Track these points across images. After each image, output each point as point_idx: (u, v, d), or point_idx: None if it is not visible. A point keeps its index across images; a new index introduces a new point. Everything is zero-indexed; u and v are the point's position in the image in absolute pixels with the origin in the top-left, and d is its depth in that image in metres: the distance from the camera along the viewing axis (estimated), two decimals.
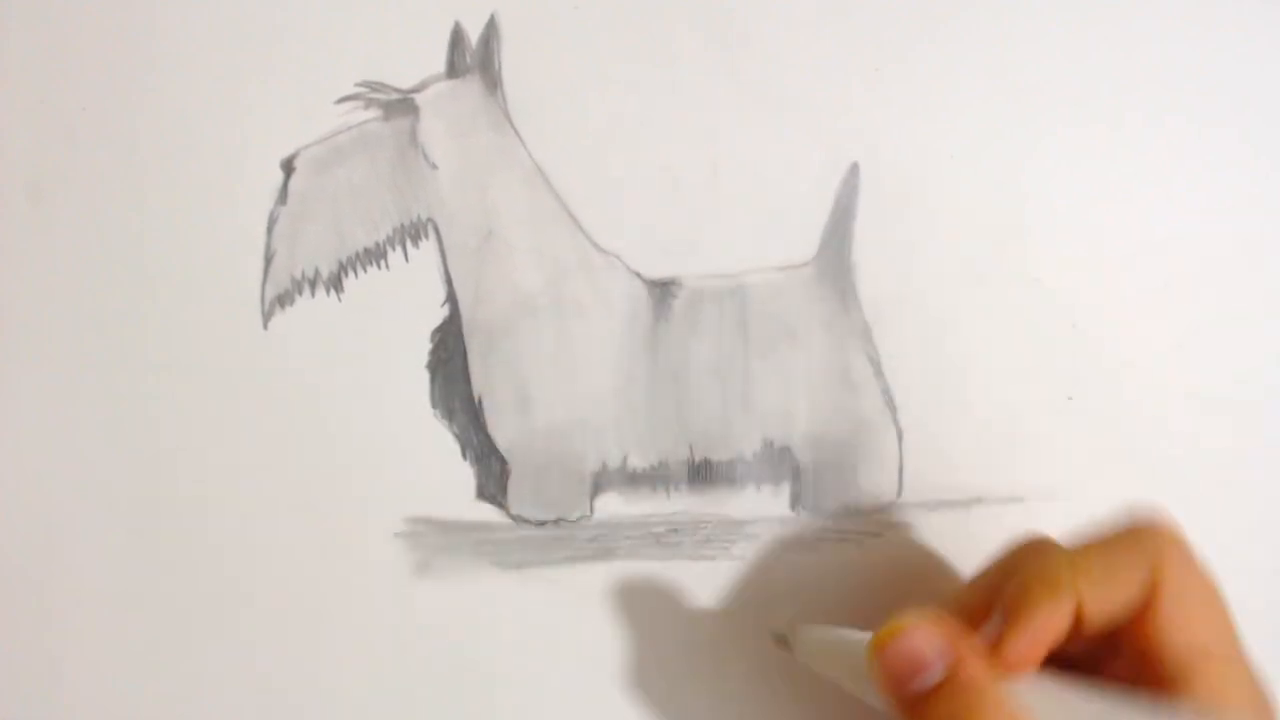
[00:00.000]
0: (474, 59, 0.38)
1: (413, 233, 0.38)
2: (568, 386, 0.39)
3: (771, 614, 0.39)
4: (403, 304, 0.38)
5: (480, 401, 0.38)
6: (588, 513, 0.39)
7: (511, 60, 0.38)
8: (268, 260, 0.38)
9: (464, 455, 0.38)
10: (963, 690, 0.22)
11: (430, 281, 0.38)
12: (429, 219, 0.38)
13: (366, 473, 0.38)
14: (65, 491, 0.37)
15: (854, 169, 0.39)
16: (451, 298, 0.38)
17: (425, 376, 0.38)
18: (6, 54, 0.37)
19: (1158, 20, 0.40)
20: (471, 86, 0.38)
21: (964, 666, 0.22)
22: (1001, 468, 0.40)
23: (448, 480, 0.38)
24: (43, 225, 0.37)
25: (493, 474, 0.39)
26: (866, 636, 0.26)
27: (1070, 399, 0.40)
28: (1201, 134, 0.41)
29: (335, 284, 0.38)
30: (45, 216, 0.37)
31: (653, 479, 0.39)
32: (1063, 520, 0.40)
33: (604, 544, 0.39)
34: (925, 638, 0.23)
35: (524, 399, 0.38)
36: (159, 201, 0.37)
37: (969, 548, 0.40)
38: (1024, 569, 0.26)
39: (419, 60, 0.38)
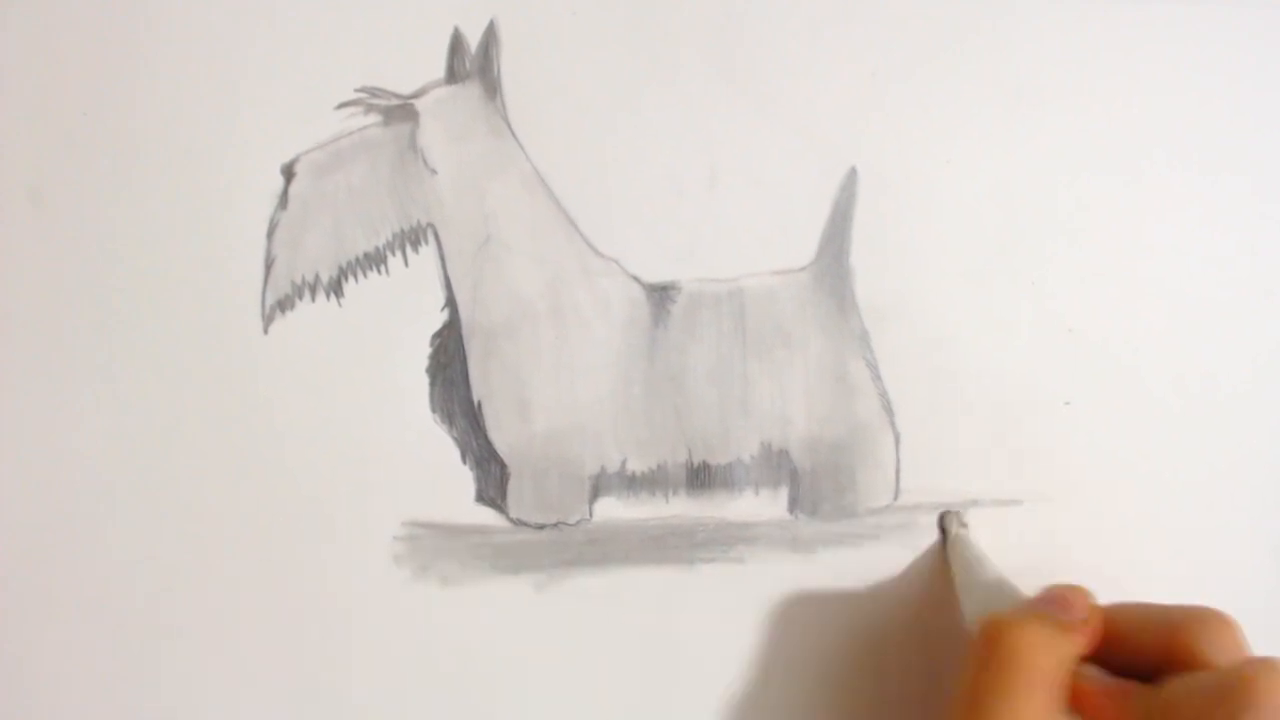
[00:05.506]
0: (473, 65, 0.38)
1: (412, 238, 0.38)
2: (567, 391, 0.39)
3: (770, 616, 0.39)
4: (402, 309, 0.38)
5: (479, 406, 0.38)
6: (587, 516, 0.39)
7: (511, 66, 0.38)
8: (268, 265, 0.38)
9: (463, 459, 0.39)
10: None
11: (430, 286, 0.38)
12: (428, 224, 0.39)
13: (366, 477, 0.38)
14: (65, 493, 0.38)
15: (852, 174, 0.39)
16: (451, 302, 0.39)
17: (425, 381, 0.38)
18: (7, 57, 0.37)
19: (1154, 26, 0.40)
20: (471, 92, 0.38)
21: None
22: (999, 471, 0.40)
23: (447, 484, 0.38)
24: (43, 230, 0.37)
25: (492, 478, 0.39)
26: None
27: (1067, 403, 0.40)
28: (1198, 138, 0.41)
29: (335, 289, 0.38)
30: (46, 222, 0.37)
31: (651, 483, 0.39)
32: (1059, 524, 0.40)
33: (603, 547, 0.39)
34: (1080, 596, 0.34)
35: (523, 403, 0.39)
36: (160, 206, 0.38)
37: None
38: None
39: (419, 66, 0.38)
